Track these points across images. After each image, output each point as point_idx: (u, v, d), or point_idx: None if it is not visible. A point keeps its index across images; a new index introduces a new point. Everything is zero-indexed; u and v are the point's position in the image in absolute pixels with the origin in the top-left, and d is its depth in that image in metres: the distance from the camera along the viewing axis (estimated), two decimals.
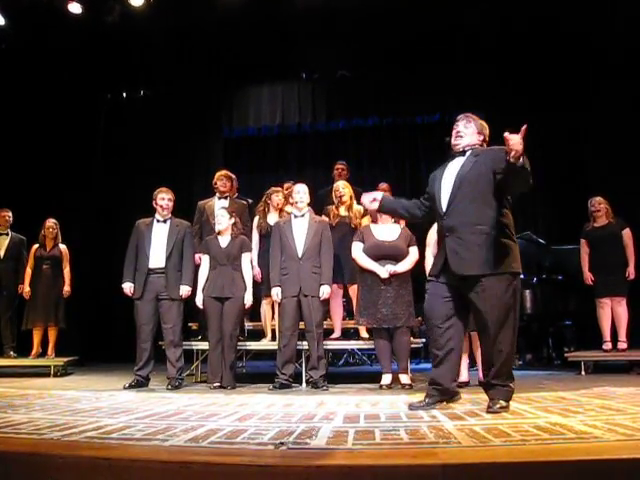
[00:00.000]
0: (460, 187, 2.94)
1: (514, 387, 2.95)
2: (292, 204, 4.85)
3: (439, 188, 3.07)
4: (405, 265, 4.44)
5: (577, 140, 7.25)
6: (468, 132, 3.09)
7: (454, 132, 3.12)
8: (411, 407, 2.99)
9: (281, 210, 5.33)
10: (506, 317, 2.82)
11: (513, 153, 2.55)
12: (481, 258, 2.82)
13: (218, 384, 4.45)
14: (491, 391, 2.93)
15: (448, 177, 3.05)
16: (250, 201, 5.86)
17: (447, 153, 3.21)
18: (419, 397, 3.16)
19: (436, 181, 3.13)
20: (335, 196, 5.16)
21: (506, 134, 2.57)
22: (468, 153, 3.05)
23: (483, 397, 3.41)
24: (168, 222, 4.79)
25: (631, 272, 5.23)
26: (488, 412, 2.77)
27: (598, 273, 5.35)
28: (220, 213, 4.76)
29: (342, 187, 5.15)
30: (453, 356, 2.98)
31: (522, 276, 6.37)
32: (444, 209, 3.00)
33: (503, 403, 2.83)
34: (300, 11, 7.02)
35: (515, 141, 2.53)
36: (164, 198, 4.77)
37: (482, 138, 3.11)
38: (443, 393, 3.03)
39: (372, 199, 3.29)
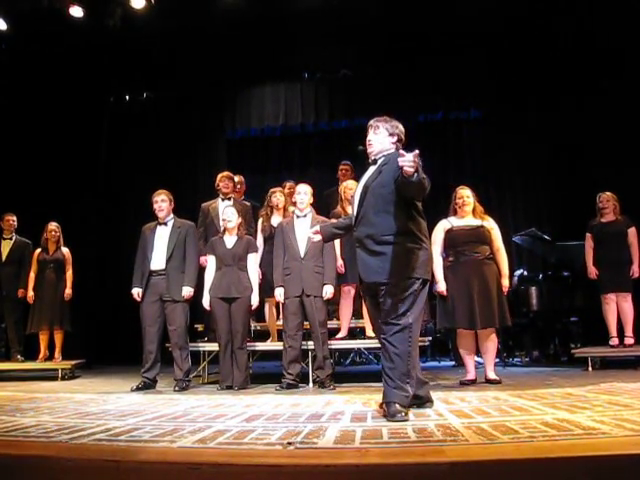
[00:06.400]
0: (365, 198, 2.96)
1: (411, 392, 2.74)
2: (294, 204, 4.84)
3: (353, 200, 3.06)
4: None
5: (582, 136, 7.22)
6: (378, 139, 3.08)
7: (366, 141, 3.13)
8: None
9: (285, 209, 5.30)
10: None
11: (404, 171, 2.57)
12: (386, 266, 2.81)
13: (226, 385, 4.47)
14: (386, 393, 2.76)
15: (359, 188, 3.08)
16: (256, 204, 5.83)
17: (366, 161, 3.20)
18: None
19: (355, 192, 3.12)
20: (344, 196, 5.02)
21: (401, 151, 2.63)
22: (379, 161, 3.05)
23: (490, 394, 3.42)
24: (170, 224, 4.79)
25: (636, 271, 5.20)
26: (387, 419, 2.56)
27: (603, 269, 5.33)
28: (230, 212, 4.74)
29: (352, 185, 4.93)
30: None
31: (525, 273, 6.53)
32: (354, 221, 3.03)
33: (399, 407, 2.61)
34: (302, 11, 7.02)
35: (406, 161, 2.53)
36: (157, 201, 4.77)
37: (396, 139, 3.08)
38: None
39: (314, 232, 3.37)
